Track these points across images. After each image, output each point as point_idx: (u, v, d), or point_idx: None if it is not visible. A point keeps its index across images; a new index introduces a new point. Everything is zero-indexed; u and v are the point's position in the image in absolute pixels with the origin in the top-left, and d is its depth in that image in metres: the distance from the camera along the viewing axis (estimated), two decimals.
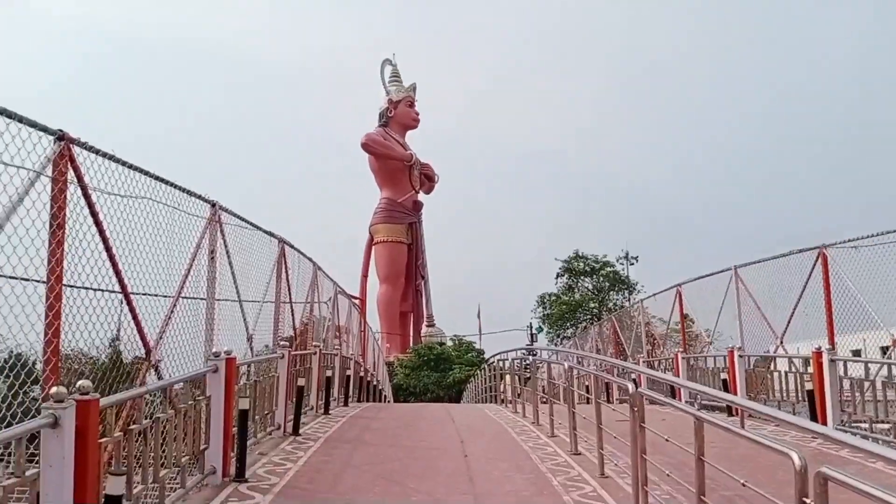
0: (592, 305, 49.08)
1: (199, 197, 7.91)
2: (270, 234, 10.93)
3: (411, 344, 52.28)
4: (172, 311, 7.50)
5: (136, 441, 5.37)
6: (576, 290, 50.89)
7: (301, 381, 10.61)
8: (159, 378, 7.41)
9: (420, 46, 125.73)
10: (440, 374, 42.28)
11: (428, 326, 55.17)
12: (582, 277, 50.98)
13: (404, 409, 16.08)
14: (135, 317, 6.89)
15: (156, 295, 7.34)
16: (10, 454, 4.30)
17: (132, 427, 5.39)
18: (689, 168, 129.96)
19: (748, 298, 15.21)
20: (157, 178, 6.98)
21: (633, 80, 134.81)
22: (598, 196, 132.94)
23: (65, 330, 5.68)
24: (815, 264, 13.79)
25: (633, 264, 51.06)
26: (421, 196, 58.42)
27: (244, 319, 9.94)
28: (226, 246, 8.81)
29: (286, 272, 11.83)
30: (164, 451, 5.94)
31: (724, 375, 13.94)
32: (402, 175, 56.71)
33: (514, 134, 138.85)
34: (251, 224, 9.88)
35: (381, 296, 54.43)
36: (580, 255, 51.06)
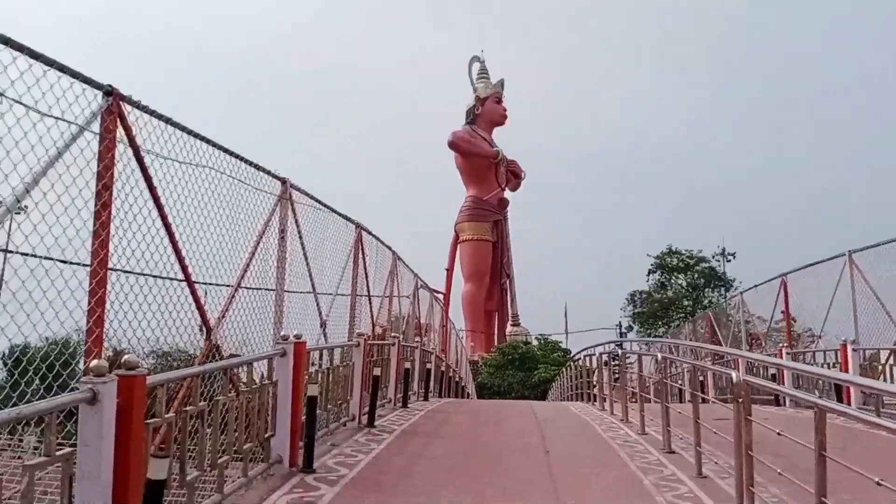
0: (686, 303, 46.86)
1: (269, 173, 7.57)
2: (346, 217, 10.59)
3: (496, 343, 51.68)
4: (234, 296, 7.17)
5: (192, 424, 5.00)
6: (669, 288, 48.84)
7: (377, 371, 10.20)
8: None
9: (511, 45, 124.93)
10: (525, 373, 41.55)
11: (513, 325, 54.43)
12: (675, 274, 48.86)
13: (485, 405, 15.58)
14: (196, 300, 6.55)
15: (219, 285, 6.97)
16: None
17: (187, 409, 5.02)
18: (790, 160, 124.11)
19: (865, 288, 13.85)
20: (221, 148, 6.58)
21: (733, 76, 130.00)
22: (695, 192, 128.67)
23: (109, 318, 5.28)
24: None
25: (729, 261, 48.94)
26: (507, 193, 57.83)
27: (317, 305, 9.62)
28: (298, 226, 8.49)
29: (364, 260, 11.48)
30: (224, 437, 5.55)
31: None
32: (488, 172, 56.26)
33: (602, 128, 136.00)
34: (325, 205, 9.56)
35: (466, 294, 54.11)
36: (673, 250, 48.99)
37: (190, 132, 6.10)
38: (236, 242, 7.02)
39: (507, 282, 56.14)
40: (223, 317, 6.86)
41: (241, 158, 6.99)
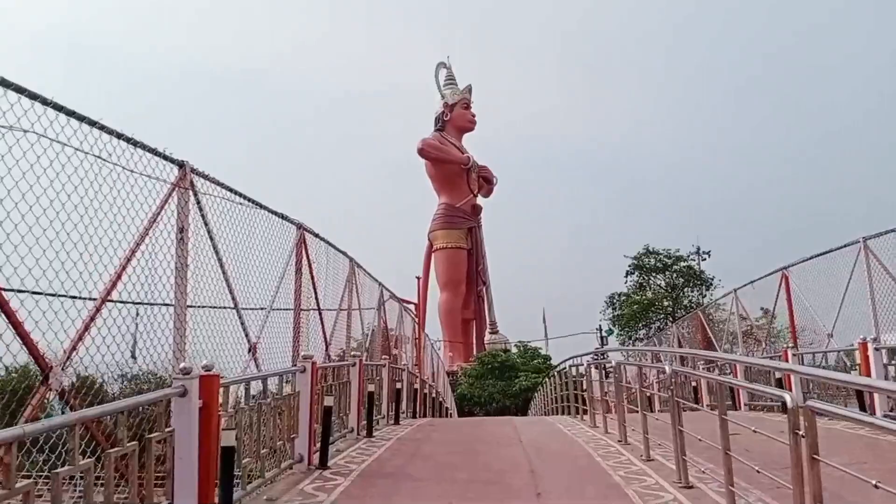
0: (666, 304, 45.58)
1: (156, 152, 5.78)
2: (283, 216, 8.78)
3: (475, 352, 50.11)
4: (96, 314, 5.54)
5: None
6: (647, 289, 47.39)
7: (329, 401, 8.54)
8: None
9: (477, 50, 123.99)
10: (505, 382, 40.08)
11: (491, 333, 52.88)
12: (653, 274, 47.43)
13: (462, 428, 13.89)
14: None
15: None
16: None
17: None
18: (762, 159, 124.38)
19: (885, 278, 12.14)
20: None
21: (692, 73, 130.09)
22: (665, 192, 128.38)
23: None
24: None
25: (704, 259, 47.59)
26: (480, 200, 56.45)
27: (242, 323, 7.93)
28: (207, 224, 6.71)
29: (310, 268, 9.81)
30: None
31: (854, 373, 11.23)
32: (459, 179, 54.92)
33: (575, 133, 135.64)
34: (248, 199, 7.60)
35: (443, 303, 52.50)
36: (651, 250, 47.49)
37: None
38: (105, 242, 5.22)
39: (484, 289, 54.63)
40: (78, 343, 5.09)
41: (111, 132, 5.23)
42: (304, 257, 9.57)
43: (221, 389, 5.43)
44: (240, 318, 7.56)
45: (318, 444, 8.15)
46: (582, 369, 14.20)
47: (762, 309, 18.95)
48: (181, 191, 6.02)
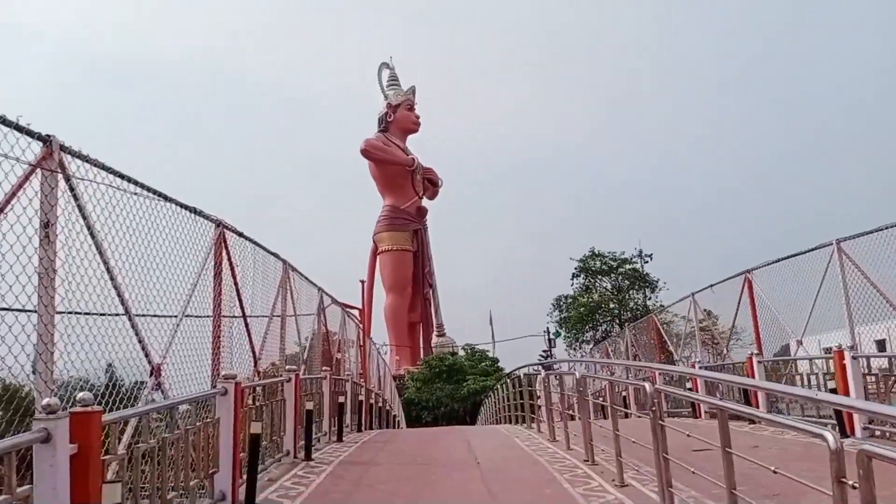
0: (612, 306, 45.46)
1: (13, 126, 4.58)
2: (196, 210, 7.46)
3: (422, 355, 49.11)
4: None
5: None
6: (594, 291, 47.21)
7: (256, 428, 7.35)
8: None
9: (424, 54, 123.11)
10: (454, 385, 39.18)
11: (438, 336, 51.94)
12: (599, 277, 47.32)
13: (411, 446, 12.78)
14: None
15: None
16: None
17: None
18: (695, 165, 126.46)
19: (864, 283, 11.22)
20: None
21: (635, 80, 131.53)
22: (606, 195, 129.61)
23: None
24: None
25: (647, 262, 47.53)
26: (425, 202, 55.42)
27: (137, 336, 6.60)
28: (84, 216, 5.39)
29: (232, 270, 8.54)
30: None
31: (831, 384, 10.51)
32: (404, 181, 53.85)
33: (519, 137, 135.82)
34: (140, 185, 6.17)
35: (389, 307, 51.35)
36: (596, 252, 47.46)
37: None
38: None
39: (430, 292, 53.62)
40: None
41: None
42: (226, 258, 8.33)
43: (107, 428, 4.26)
44: (134, 328, 6.18)
45: (244, 478, 6.99)
46: (539, 378, 13.30)
47: (705, 311, 18.45)
48: (46, 174, 4.79)
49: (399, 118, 54.45)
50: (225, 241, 8.14)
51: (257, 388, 8.70)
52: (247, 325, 9.09)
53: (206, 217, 7.70)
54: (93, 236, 5.50)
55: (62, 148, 5.12)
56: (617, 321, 44.65)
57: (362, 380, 18.11)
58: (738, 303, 15.64)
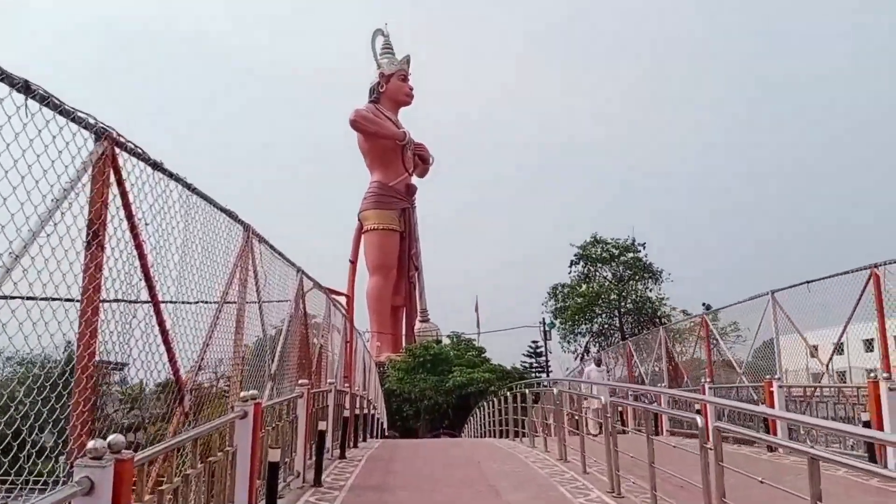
0: (612, 297, 42.47)
1: None
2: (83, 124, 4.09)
3: (404, 342, 46.55)
4: None
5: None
6: (593, 280, 44.18)
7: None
8: None
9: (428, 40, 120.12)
10: (438, 377, 36.72)
11: (422, 322, 49.17)
12: (599, 265, 44.20)
13: (423, 470, 10.19)
14: None
15: None
16: None
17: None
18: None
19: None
20: None
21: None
22: (605, 186, 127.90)
23: None
24: None
25: (639, 252, 44.63)
26: (415, 180, 52.58)
27: None
28: None
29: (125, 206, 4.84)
30: None
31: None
32: (394, 156, 50.86)
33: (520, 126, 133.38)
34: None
35: (372, 289, 48.55)
36: (598, 239, 44.40)
37: None
38: None
39: (416, 274, 50.92)
40: None
41: None
42: (115, 182, 4.53)
43: None
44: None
45: None
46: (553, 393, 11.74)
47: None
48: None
49: (391, 89, 51.47)
50: (115, 169, 4.53)
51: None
52: (158, 312, 5.67)
53: (95, 133, 4.29)
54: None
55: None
56: (616, 313, 42.16)
57: (346, 383, 15.32)
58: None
